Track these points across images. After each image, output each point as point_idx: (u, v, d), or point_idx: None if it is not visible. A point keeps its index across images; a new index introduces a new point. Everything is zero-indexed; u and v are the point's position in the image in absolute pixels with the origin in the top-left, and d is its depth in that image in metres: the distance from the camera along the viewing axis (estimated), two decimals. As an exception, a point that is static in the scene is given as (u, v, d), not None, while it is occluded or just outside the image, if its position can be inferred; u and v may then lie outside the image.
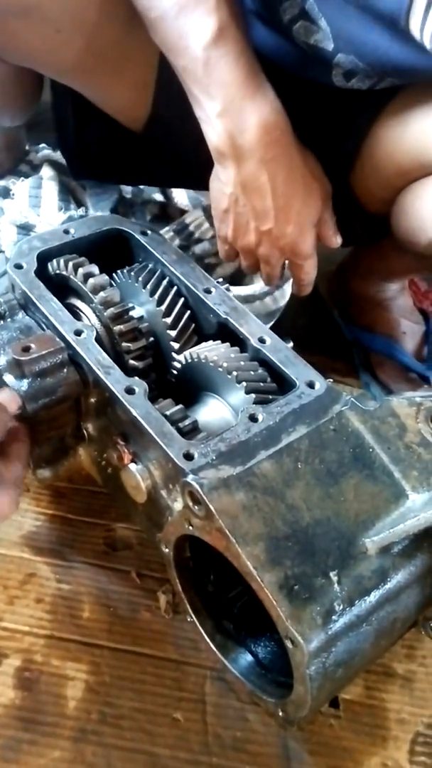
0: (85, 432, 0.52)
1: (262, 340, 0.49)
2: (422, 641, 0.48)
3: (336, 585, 0.36)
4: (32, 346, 0.45)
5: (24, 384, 0.45)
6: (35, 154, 0.84)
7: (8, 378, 0.45)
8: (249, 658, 0.45)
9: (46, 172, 0.77)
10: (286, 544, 0.37)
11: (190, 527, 0.41)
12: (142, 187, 0.80)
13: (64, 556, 0.53)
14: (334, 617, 0.36)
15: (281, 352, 0.48)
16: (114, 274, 0.55)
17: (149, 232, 0.58)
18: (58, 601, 0.50)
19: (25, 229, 0.70)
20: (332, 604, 0.36)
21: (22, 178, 0.78)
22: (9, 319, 0.49)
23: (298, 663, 0.36)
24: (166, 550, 0.46)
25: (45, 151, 0.85)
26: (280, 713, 0.41)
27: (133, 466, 0.47)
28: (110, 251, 0.56)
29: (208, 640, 0.47)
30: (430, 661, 0.48)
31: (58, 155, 0.81)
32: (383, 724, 0.45)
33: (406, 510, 0.39)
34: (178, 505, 0.43)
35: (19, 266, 0.51)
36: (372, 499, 0.40)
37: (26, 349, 0.45)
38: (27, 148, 0.86)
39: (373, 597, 0.37)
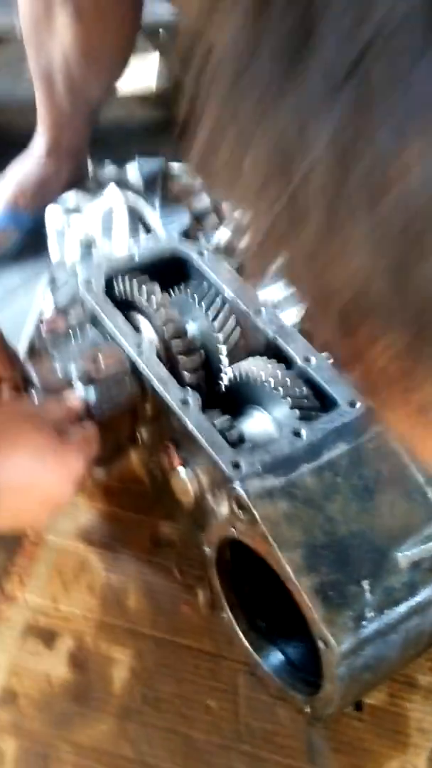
0: (138, 436, 0.57)
1: (307, 360, 0.53)
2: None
3: (368, 594, 0.39)
4: (100, 359, 0.50)
5: (92, 393, 0.49)
6: (101, 171, 0.90)
7: (78, 385, 0.50)
8: (280, 656, 0.49)
9: (115, 196, 0.82)
10: (323, 552, 0.41)
11: (234, 531, 0.45)
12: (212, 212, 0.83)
13: (113, 548, 0.58)
14: (364, 623, 0.39)
15: (325, 371, 0.52)
16: (171, 291, 0.60)
17: (206, 252, 0.62)
18: (106, 590, 0.54)
19: (88, 246, 0.76)
20: (363, 611, 0.39)
21: (89, 195, 0.84)
22: (79, 332, 0.54)
23: (328, 663, 0.39)
24: (208, 550, 0.50)
25: (110, 167, 0.90)
26: (308, 710, 0.44)
27: (182, 471, 0.51)
28: (170, 270, 0.61)
29: (241, 636, 0.50)
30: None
31: (123, 172, 0.87)
32: (404, 731, 0.47)
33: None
34: (223, 510, 0.47)
35: (88, 284, 0.56)
36: (405, 516, 0.43)
37: (95, 362, 0.50)
38: (90, 165, 0.91)
39: (402, 608, 0.40)
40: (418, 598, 0.41)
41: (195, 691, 0.49)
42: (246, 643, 0.50)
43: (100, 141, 0.92)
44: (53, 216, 0.86)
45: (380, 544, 0.41)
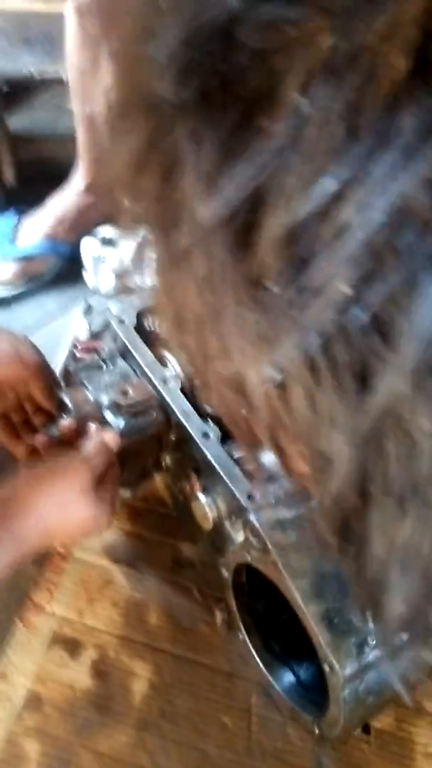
0: (163, 462, 0.60)
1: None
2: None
3: (371, 622, 0.42)
4: (129, 390, 0.54)
5: (121, 421, 0.54)
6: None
7: (108, 415, 0.54)
8: (291, 677, 0.51)
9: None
10: (330, 581, 0.43)
11: (249, 557, 0.48)
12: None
13: (137, 567, 0.61)
14: (367, 649, 0.41)
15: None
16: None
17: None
18: (130, 607, 0.58)
19: (120, 277, 0.81)
20: (366, 638, 0.41)
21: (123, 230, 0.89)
22: (111, 365, 0.59)
23: (333, 686, 0.42)
24: (226, 573, 0.53)
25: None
26: (316, 730, 0.47)
27: (202, 497, 0.54)
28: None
29: (256, 657, 0.53)
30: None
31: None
32: (410, 755, 0.49)
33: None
34: (239, 537, 0.50)
35: (121, 321, 0.61)
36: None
37: (125, 393, 0.54)
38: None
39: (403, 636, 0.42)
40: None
41: (210, 708, 0.52)
42: (260, 664, 0.53)
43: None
44: (89, 247, 0.91)
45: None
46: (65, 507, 0.46)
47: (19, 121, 1.30)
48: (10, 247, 0.97)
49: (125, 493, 0.63)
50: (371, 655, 0.41)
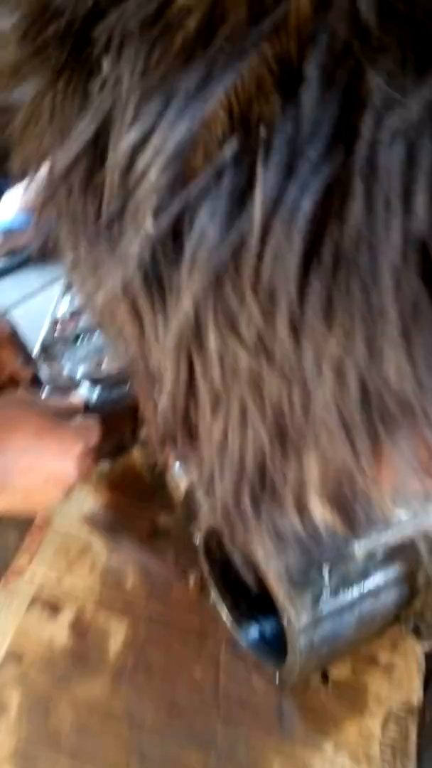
0: (139, 437, 0.63)
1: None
2: (405, 639, 0.56)
3: (326, 577, 0.46)
4: (104, 363, 0.56)
5: (95, 393, 0.56)
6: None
7: (83, 386, 0.57)
8: (256, 633, 0.55)
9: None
10: (291, 543, 0.47)
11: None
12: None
13: (115, 534, 0.64)
14: (321, 602, 0.45)
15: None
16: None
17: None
18: (107, 570, 0.61)
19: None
20: (321, 592, 0.45)
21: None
22: (87, 338, 0.61)
23: (291, 635, 0.46)
24: (198, 540, 0.56)
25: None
26: (277, 678, 0.51)
27: (177, 467, 0.57)
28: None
29: (225, 616, 0.57)
30: (410, 656, 0.56)
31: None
32: (363, 701, 0.54)
33: (390, 525, 0.48)
34: (208, 502, 0.53)
35: (97, 296, 0.63)
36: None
37: (99, 365, 0.56)
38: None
39: (356, 591, 0.46)
40: (370, 584, 0.47)
41: (181, 662, 0.56)
42: (228, 622, 0.57)
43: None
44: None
45: (341, 538, 0.47)
46: (24, 437, 0.48)
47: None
48: (-11, 222, 0.97)
49: (103, 466, 0.66)
50: (326, 607, 0.45)
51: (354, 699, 0.54)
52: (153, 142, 0.14)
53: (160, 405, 0.17)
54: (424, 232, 0.13)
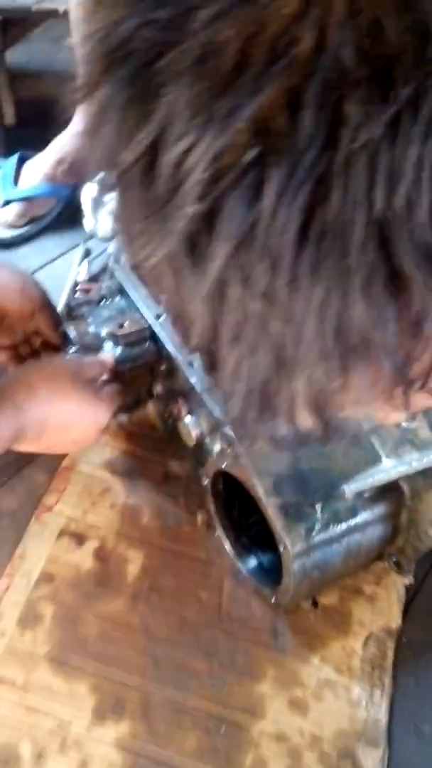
0: (154, 391, 0.70)
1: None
2: (388, 573, 0.64)
3: (318, 513, 0.53)
4: (126, 324, 0.62)
5: (117, 350, 0.62)
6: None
7: (106, 345, 0.63)
8: (255, 563, 0.63)
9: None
10: (288, 481, 0.54)
11: (224, 465, 0.58)
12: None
13: (132, 479, 0.72)
14: (314, 533, 0.52)
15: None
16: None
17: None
18: (125, 509, 0.69)
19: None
20: (314, 525, 0.52)
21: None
22: (109, 300, 0.67)
23: (286, 560, 0.53)
24: (206, 482, 0.63)
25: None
26: (273, 600, 0.59)
27: (187, 418, 0.64)
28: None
29: (228, 548, 0.65)
30: (391, 588, 0.64)
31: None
32: (348, 623, 0.62)
33: (378, 470, 0.55)
34: (216, 448, 0.60)
35: (118, 260, 0.68)
36: (355, 459, 0.55)
37: (121, 326, 0.62)
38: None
39: (344, 525, 0.53)
40: (358, 519, 0.54)
41: (189, 586, 0.64)
42: (232, 553, 0.64)
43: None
44: (89, 190, 0.97)
45: (333, 479, 0.54)
46: (62, 396, 0.55)
47: (15, 56, 1.29)
48: (11, 188, 1.01)
49: (121, 418, 0.73)
50: (317, 538, 0.52)
51: (339, 622, 0.62)
52: (198, 148, 0.19)
53: (191, 343, 0.23)
54: (381, 216, 0.18)
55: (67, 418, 0.56)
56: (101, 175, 0.24)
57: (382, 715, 0.57)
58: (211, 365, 0.23)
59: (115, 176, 0.22)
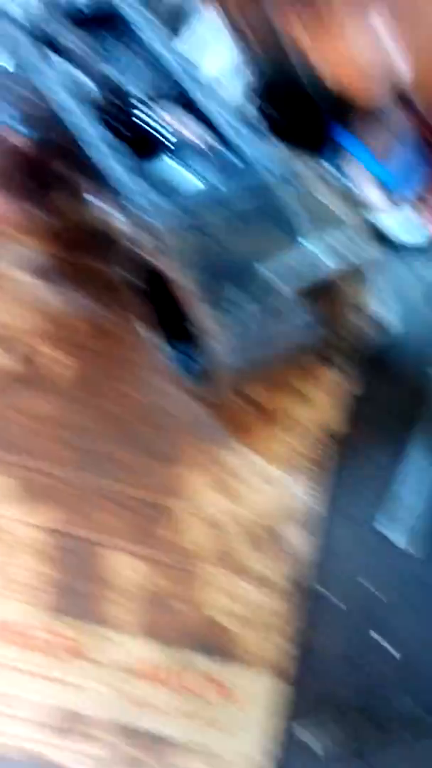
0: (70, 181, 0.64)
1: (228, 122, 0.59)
2: (326, 375, 0.64)
3: (236, 296, 0.51)
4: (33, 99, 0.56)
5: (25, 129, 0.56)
6: None
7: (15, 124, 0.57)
8: (181, 355, 0.63)
9: None
10: (209, 268, 0.52)
11: (150, 259, 0.55)
12: None
13: (67, 286, 0.69)
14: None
15: (244, 135, 0.58)
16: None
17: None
18: (61, 317, 0.67)
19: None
20: (231, 308, 0.51)
21: None
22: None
23: (212, 349, 0.52)
24: (132, 279, 0.61)
25: None
26: (200, 389, 0.59)
27: (115, 215, 0.60)
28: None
29: (160, 348, 0.64)
30: (331, 391, 0.64)
31: None
32: (279, 418, 0.63)
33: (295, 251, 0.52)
34: (143, 243, 0.57)
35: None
36: (272, 239, 0.53)
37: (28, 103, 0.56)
38: None
39: (257, 306, 0.52)
40: (275, 302, 0.53)
41: (120, 384, 0.64)
42: (161, 351, 0.64)
43: None
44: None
45: (250, 260, 0.52)
46: None
47: None
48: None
49: (33, 211, 0.67)
50: (234, 315, 0.52)
51: (271, 416, 0.63)
52: None
53: None
54: None
55: None
56: None
57: (319, 507, 0.59)
58: None
59: None
